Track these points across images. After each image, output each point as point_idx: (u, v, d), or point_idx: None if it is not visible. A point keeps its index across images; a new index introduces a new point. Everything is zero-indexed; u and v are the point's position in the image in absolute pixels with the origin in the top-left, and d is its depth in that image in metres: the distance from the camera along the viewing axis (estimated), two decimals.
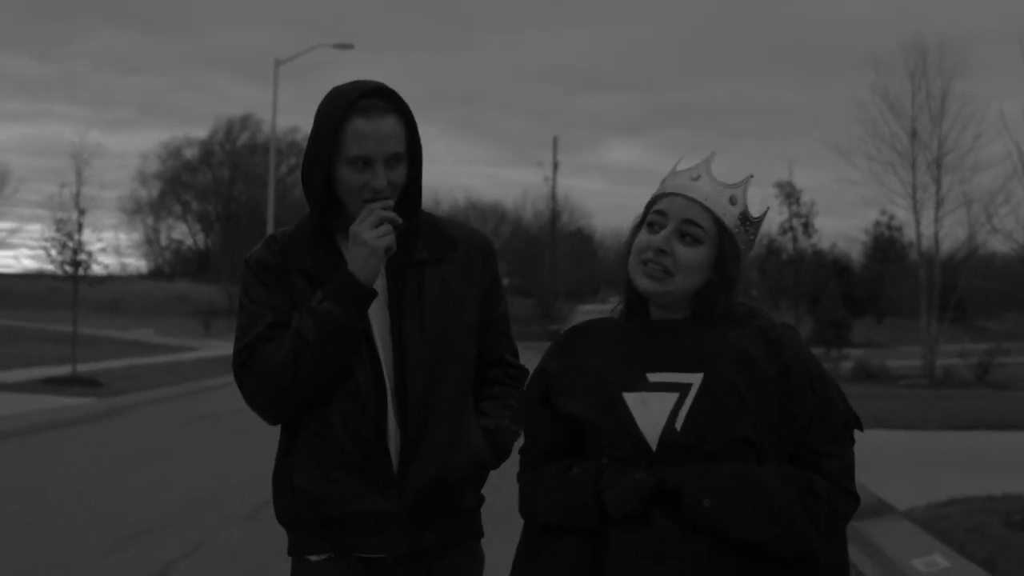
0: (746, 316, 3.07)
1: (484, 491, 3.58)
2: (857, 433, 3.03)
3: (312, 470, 3.43)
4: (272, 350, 3.37)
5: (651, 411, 2.95)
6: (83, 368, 24.73)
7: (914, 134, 33.49)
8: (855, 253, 64.59)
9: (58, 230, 24.56)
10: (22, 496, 11.42)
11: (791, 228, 27.21)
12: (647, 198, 3.12)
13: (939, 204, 33.24)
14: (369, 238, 3.30)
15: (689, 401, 2.94)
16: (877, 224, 57.94)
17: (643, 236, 3.03)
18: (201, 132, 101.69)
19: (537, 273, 78.65)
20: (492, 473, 3.56)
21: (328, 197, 3.43)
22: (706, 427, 2.92)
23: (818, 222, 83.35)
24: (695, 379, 2.96)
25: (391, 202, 3.36)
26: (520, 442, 3.29)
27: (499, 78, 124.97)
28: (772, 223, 29.93)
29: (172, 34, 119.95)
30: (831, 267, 41.78)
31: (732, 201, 3.05)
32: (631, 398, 2.97)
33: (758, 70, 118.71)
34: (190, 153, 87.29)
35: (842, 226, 78.19)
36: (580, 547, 2.95)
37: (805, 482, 2.93)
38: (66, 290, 26.39)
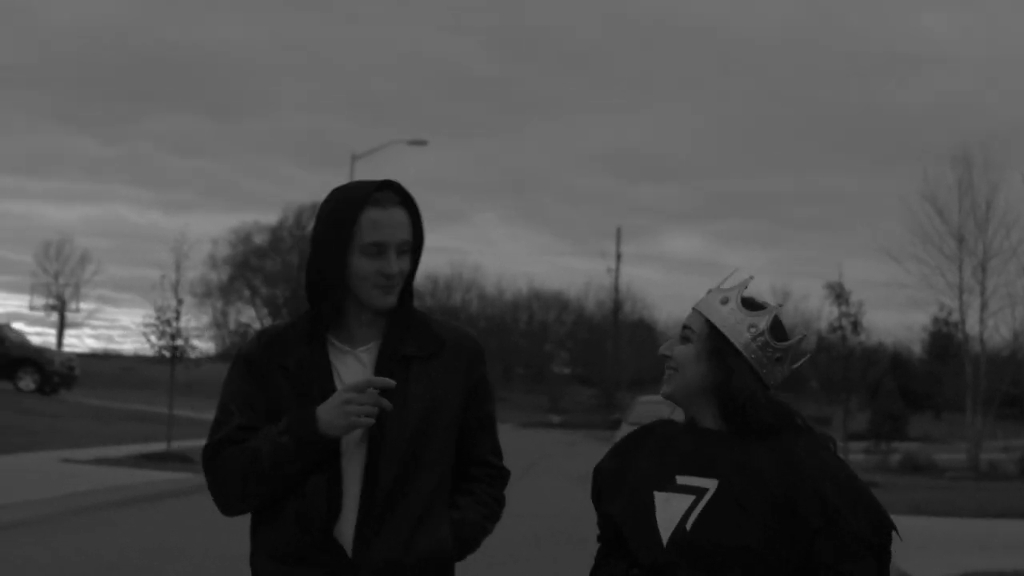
0: (779, 427, 3.17)
1: None
2: (895, 518, 3.14)
3: (267, 557, 3.51)
4: (232, 457, 3.44)
5: (671, 509, 3.12)
6: (173, 446, 26.25)
7: (961, 239, 35.05)
8: (916, 347, 65.15)
9: (158, 317, 26.42)
10: (158, 555, 13.06)
11: (840, 327, 28.64)
12: (706, 288, 3.33)
13: (984, 305, 34.74)
14: (352, 411, 3.35)
15: (702, 505, 3.09)
16: (936, 320, 58.74)
17: None
18: (261, 215, 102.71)
19: (600, 363, 79.40)
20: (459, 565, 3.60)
21: (340, 290, 3.48)
22: (712, 531, 3.06)
23: (881, 315, 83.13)
24: (711, 485, 3.11)
25: (392, 382, 3.38)
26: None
27: (557, 165, 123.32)
28: (822, 321, 31.57)
29: (232, 119, 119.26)
30: (883, 364, 42.82)
31: (723, 301, 3.23)
32: (659, 497, 3.15)
33: (820, 159, 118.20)
34: (260, 239, 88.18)
35: (904, 319, 78.66)
36: None
37: None
38: (139, 371, 27.58)
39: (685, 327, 3.25)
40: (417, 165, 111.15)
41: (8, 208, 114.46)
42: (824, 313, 30.80)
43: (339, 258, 3.43)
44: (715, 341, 3.18)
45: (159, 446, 26.15)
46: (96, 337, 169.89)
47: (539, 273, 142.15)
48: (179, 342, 26.49)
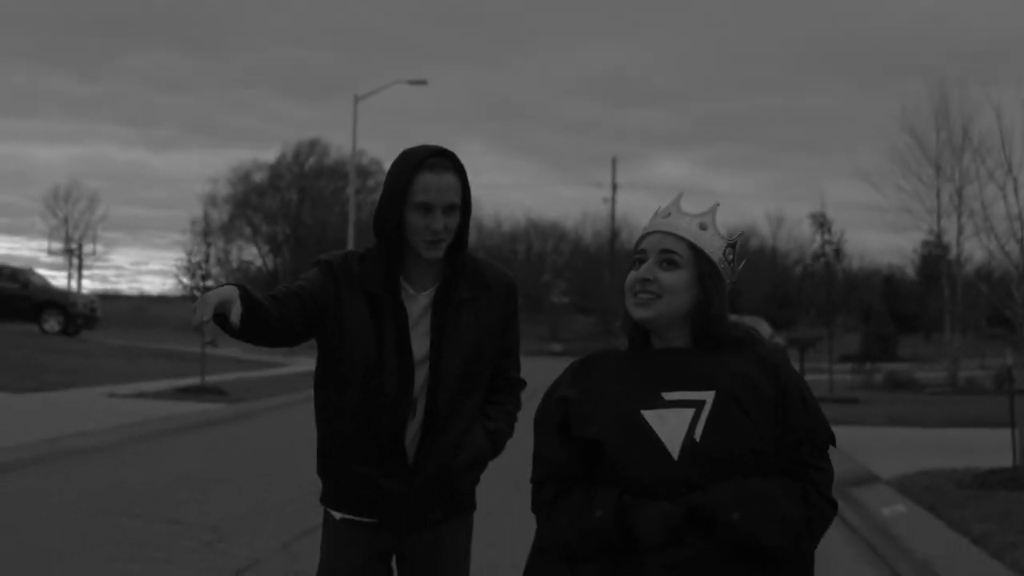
0: (745, 341, 3.24)
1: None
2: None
3: (336, 456, 4.12)
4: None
5: (670, 424, 3.08)
6: (207, 379, 27.55)
7: (938, 167, 36.79)
8: (909, 270, 66.25)
9: (189, 260, 28.24)
10: (221, 469, 14.76)
11: (824, 254, 30.32)
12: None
13: (960, 230, 36.57)
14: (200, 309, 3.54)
15: (705, 415, 3.08)
16: (925, 243, 59.98)
17: (631, 274, 3.25)
18: (247, 151, 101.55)
19: (597, 291, 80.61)
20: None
21: (397, 238, 3.96)
22: (722, 439, 3.05)
23: (872, 237, 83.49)
24: (708, 396, 3.10)
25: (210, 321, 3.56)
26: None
27: (542, 93, 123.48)
28: (806, 251, 33.49)
29: (211, 54, 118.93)
30: (868, 288, 44.39)
31: (702, 227, 3.24)
32: (649, 415, 3.10)
33: (807, 81, 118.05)
34: (259, 177, 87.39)
35: (893, 242, 78.78)
36: (604, 570, 3.08)
37: (803, 492, 3.10)
38: (148, 310, 28.77)
39: (667, 251, 3.22)
40: (405, 98, 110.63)
41: None
42: (814, 240, 32.51)
43: (396, 212, 3.95)
44: (704, 266, 3.20)
45: (193, 380, 27.74)
46: (91, 277, 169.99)
47: (535, 204, 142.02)
48: (210, 282, 28.25)
